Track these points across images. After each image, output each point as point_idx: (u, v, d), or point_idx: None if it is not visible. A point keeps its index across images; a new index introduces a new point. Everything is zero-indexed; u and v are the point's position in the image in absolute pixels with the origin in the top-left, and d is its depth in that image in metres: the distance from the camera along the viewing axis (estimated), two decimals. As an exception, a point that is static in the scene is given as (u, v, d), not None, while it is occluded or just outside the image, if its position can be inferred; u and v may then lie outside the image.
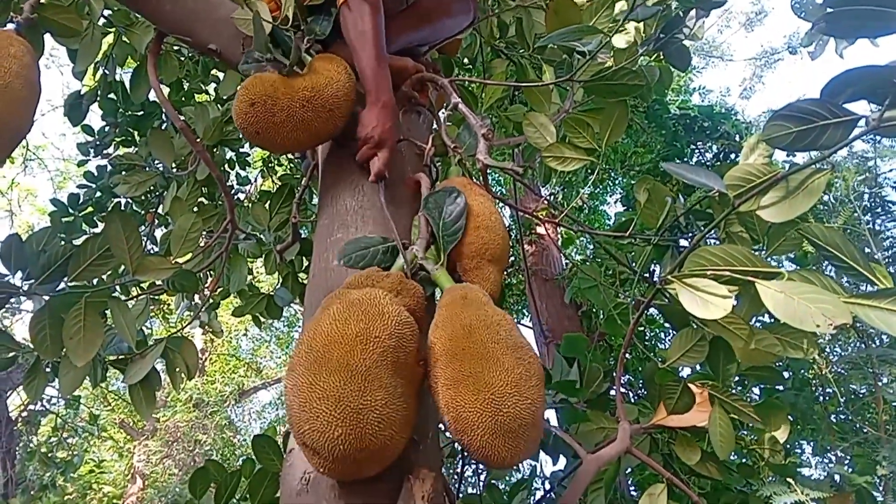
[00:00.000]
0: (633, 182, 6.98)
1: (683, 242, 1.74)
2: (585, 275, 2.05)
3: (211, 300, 3.66)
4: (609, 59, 1.73)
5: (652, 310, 1.52)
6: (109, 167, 3.65)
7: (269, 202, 2.17)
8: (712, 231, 1.46)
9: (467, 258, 1.37)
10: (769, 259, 1.55)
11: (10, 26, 1.62)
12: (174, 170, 2.41)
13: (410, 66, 1.81)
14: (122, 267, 1.80)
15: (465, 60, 3.52)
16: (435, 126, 1.88)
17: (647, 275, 1.83)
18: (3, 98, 1.38)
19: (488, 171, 1.53)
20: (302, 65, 1.55)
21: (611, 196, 8.19)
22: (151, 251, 4.12)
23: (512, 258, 7.17)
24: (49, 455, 5.74)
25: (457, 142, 1.64)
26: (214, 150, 2.54)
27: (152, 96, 3.33)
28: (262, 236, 2.28)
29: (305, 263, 2.58)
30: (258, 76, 1.46)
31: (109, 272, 2.01)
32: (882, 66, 1.05)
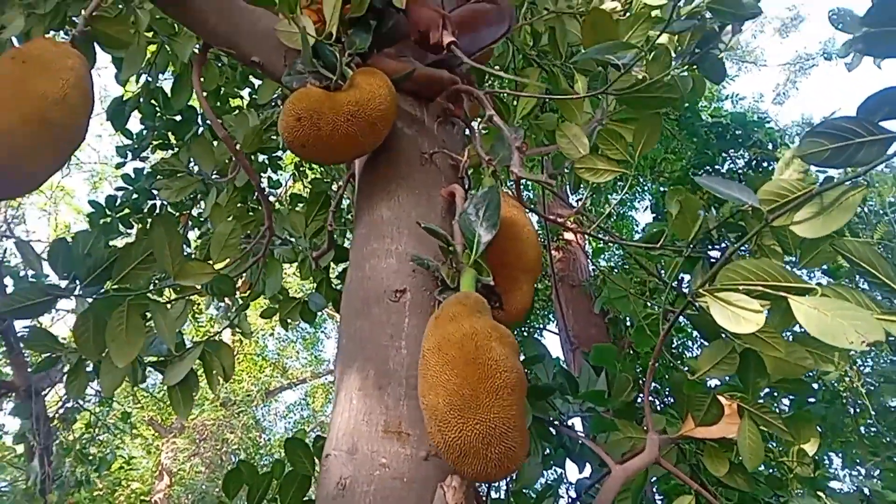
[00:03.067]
0: (662, 189, 6.94)
1: (714, 253, 1.75)
2: (615, 284, 2.06)
3: (242, 302, 3.74)
4: (642, 72, 1.75)
5: (681, 318, 1.53)
6: (148, 170, 3.76)
7: (305, 209, 2.23)
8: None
9: (500, 268, 1.40)
10: (802, 271, 1.56)
11: (65, 38, 1.70)
12: (214, 176, 2.48)
13: (446, 77, 1.85)
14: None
15: (498, 68, 3.56)
16: (469, 137, 1.91)
17: (676, 284, 1.84)
18: (61, 108, 1.45)
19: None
20: (343, 78, 1.60)
21: (639, 202, 8.14)
22: (185, 253, 4.22)
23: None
24: (83, 452, 5.88)
25: (491, 153, 1.67)
26: (252, 157, 2.61)
27: (191, 101, 3.43)
28: (297, 242, 2.33)
29: (339, 270, 2.63)
30: (303, 91, 1.51)
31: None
32: (919, 85, 1.06)
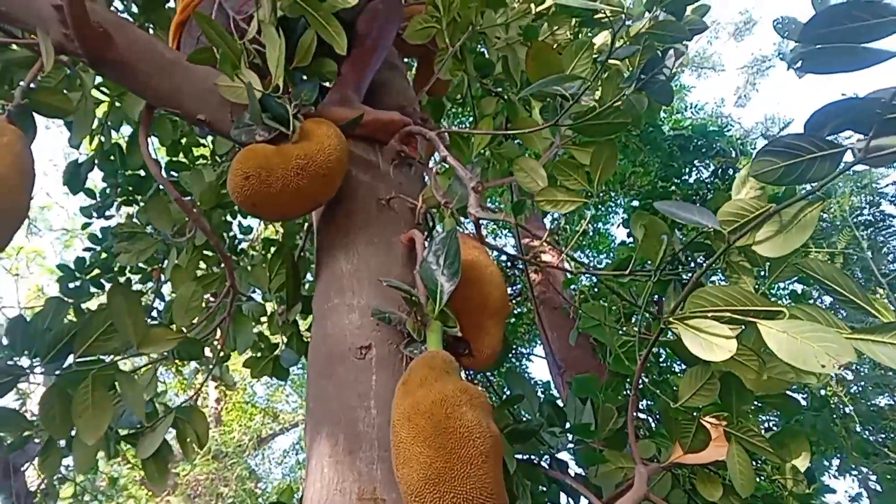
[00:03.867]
0: (633, 202, 6.98)
1: (685, 273, 1.73)
2: (587, 315, 2.03)
3: (221, 354, 3.66)
4: (593, 100, 1.74)
5: (663, 337, 1.50)
6: (112, 228, 3.69)
7: (267, 264, 2.18)
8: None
9: (467, 313, 1.36)
10: (772, 286, 1.54)
11: (1, 116, 1.65)
12: (174, 235, 2.42)
13: (397, 119, 1.82)
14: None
15: (457, 97, 3.56)
16: (426, 178, 1.89)
17: (651, 309, 1.82)
18: (-3, 189, 1.40)
19: (481, 221, 1.52)
20: (292, 130, 1.56)
21: (614, 216, 8.18)
22: (159, 308, 4.14)
23: (519, 286, 7.15)
24: (70, 524, 5.68)
25: (449, 193, 1.64)
26: (213, 210, 2.57)
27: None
28: (263, 297, 2.28)
29: (309, 320, 2.57)
30: (250, 149, 1.47)
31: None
32: (862, 97, 1.06)
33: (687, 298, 1.25)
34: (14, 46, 2.44)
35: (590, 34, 2.67)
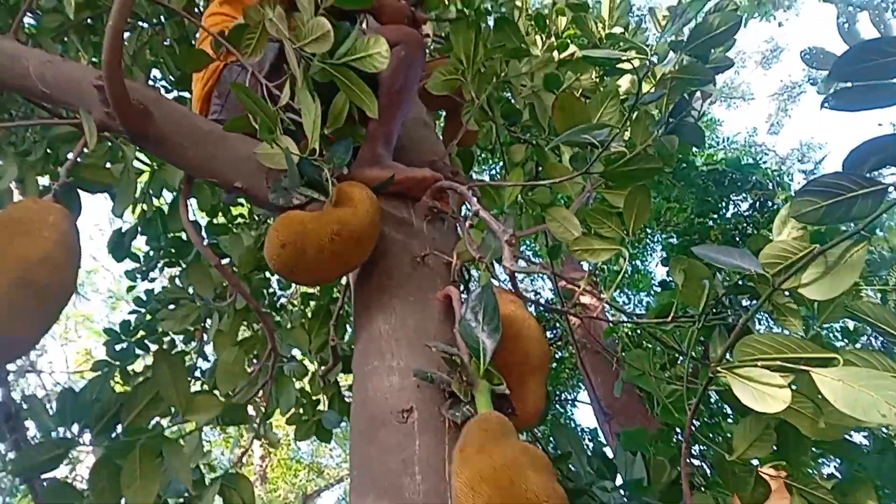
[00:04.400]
0: (671, 239, 6.88)
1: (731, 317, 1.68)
2: (631, 365, 1.98)
3: (264, 411, 3.68)
4: (623, 144, 1.73)
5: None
6: (156, 294, 3.78)
7: (309, 324, 2.20)
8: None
9: (507, 370, 1.34)
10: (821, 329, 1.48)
11: (48, 195, 1.72)
12: (215, 299, 2.47)
13: (429, 175, 1.84)
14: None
15: (486, 146, 3.59)
16: (460, 232, 1.89)
17: (697, 352, 1.77)
18: (44, 268, 1.44)
19: (517, 274, 1.51)
20: (326, 193, 1.59)
21: (651, 254, 8.07)
22: (202, 368, 4.20)
23: (559, 330, 7.04)
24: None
25: (482, 246, 1.64)
26: (252, 273, 2.61)
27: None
28: (304, 358, 2.29)
29: (350, 380, 2.56)
30: (286, 216, 1.50)
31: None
32: (902, 133, 1.03)
33: (734, 346, 1.21)
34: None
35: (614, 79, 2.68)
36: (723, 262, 1.26)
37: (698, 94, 1.51)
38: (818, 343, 1.16)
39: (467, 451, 1.11)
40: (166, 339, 3.95)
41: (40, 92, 2.01)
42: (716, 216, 6.29)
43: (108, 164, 2.95)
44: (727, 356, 1.27)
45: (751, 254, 1.27)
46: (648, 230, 7.01)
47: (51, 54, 2.14)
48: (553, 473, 1.10)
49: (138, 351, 4.03)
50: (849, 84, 1.03)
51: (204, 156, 1.81)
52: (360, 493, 1.31)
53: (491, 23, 2.84)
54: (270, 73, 1.86)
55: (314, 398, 2.43)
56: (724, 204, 6.38)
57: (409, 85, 1.90)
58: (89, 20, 3.22)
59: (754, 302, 1.52)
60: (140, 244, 3.79)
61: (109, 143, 2.88)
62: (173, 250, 3.62)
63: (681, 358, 2.05)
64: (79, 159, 1.87)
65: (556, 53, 2.88)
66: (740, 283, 1.50)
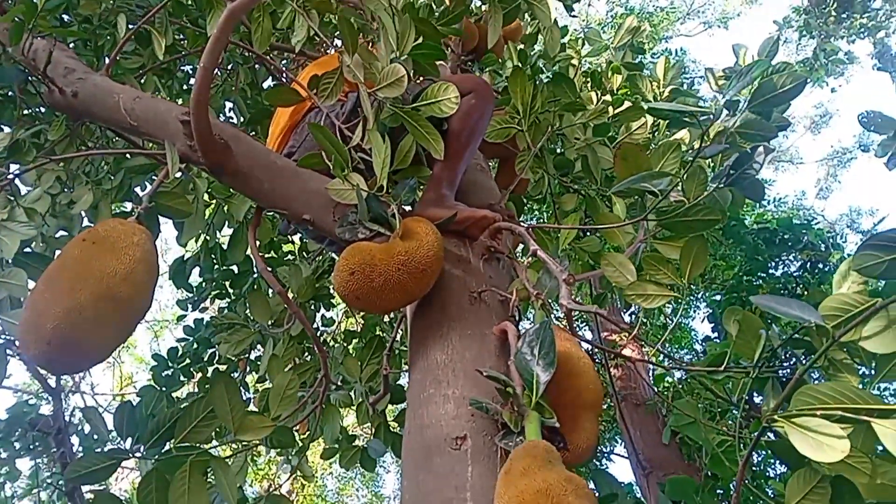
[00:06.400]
0: (715, 296, 6.79)
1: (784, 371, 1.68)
2: (680, 412, 1.98)
3: (301, 444, 3.72)
4: (679, 194, 1.78)
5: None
6: (207, 320, 3.91)
7: (359, 353, 2.26)
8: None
9: (561, 406, 1.37)
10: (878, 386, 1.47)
11: (132, 218, 1.83)
12: (270, 326, 2.55)
13: (489, 215, 1.91)
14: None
15: (536, 195, 3.66)
16: (515, 271, 1.94)
17: (746, 405, 1.76)
18: (128, 283, 1.54)
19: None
20: (392, 229, 1.67)
21: (694, 311, 7.96)
22: (243, 397, 4.27)
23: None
24: None
25: (538, 286, 1.69)
26: (307, 304, 2.70)
27: (247, 252, 3.62)
28: (353, 387, 2.34)
29: (397, 411, 2.61)
30: (356, 246, 1.58)
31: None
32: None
33: (791, 396, 1.22)
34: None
35: (672, 131, 2.74)
36: (782, 312, 1.28)
37: (760, 149, 1.55)
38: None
39: (512, 474, 1.14)
40: (210, 368, 4.06)
41: (128, 124, 2.17)
42: (764, 275, 6.21)
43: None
44: (782, 407, 1.28)
45: (810, 306, 1.28)
46: (692, 287, 6.94)
47: (138, 90, 2.31)
48: (595, 503, 1.12)
49: (182, 378, 4.16)
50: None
51: (277, 189, 1.92)
52: (413, 517, 1.34)
53: (545, 79, 2.94)
54: (348, 116, 1.98)
55: (361, 427, 2.46)
56: (773, 263, 6.30)
57: (477, 132, 2.00)
58: (165, 64, 3.45)
59: (809, 357, 1.52)
60: (193, 278, 3.95)
61: (180, 175, 3.04)
62: (225, 282, 3.77)
63: (728, 411, 2.04)
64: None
65: (610, 109, 2.96)
66: (796, 336, 1.51)
